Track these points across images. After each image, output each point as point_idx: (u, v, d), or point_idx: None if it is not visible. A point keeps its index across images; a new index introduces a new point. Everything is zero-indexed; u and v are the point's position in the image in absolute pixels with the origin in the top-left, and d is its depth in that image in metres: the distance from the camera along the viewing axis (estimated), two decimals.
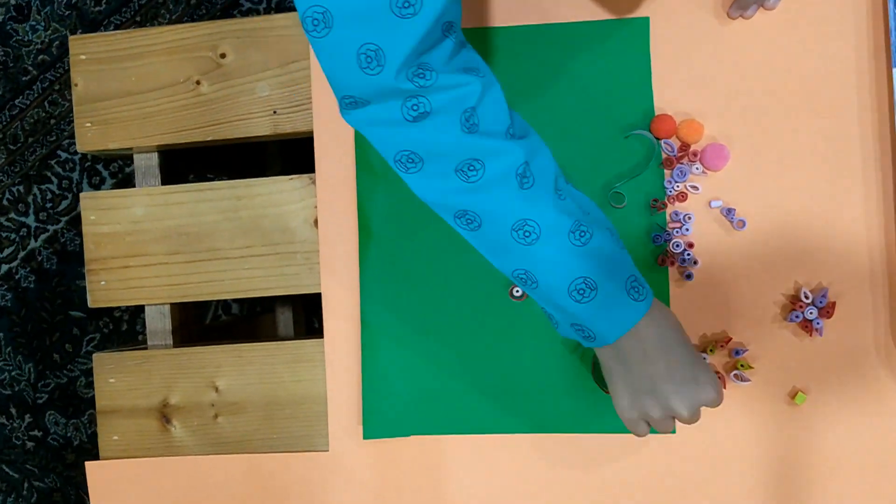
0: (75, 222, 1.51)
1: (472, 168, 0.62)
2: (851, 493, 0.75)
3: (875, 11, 0.75)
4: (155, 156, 0.89)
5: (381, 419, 0.80)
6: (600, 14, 0.79)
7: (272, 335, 1.20)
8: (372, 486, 0.81)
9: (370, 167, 0.81)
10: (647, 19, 0.78)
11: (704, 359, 0.72)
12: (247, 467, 0.83)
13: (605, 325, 0.63)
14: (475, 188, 0.62)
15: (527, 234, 0.62)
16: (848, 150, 0.75)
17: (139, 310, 1.67)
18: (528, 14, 0.80)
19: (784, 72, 0.76)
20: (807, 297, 0.74)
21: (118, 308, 1.68)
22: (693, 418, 0.65)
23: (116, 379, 0.85)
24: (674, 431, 0.77)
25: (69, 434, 1.52)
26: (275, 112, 0.83)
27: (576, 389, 0.78)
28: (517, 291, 0.79)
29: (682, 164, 0.76)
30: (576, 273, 0.62)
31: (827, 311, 0.74)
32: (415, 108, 0.61)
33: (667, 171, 0.77)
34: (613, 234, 0.66)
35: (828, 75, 0.76)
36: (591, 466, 0.78)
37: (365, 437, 0.81)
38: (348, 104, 0.62)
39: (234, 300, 1.65)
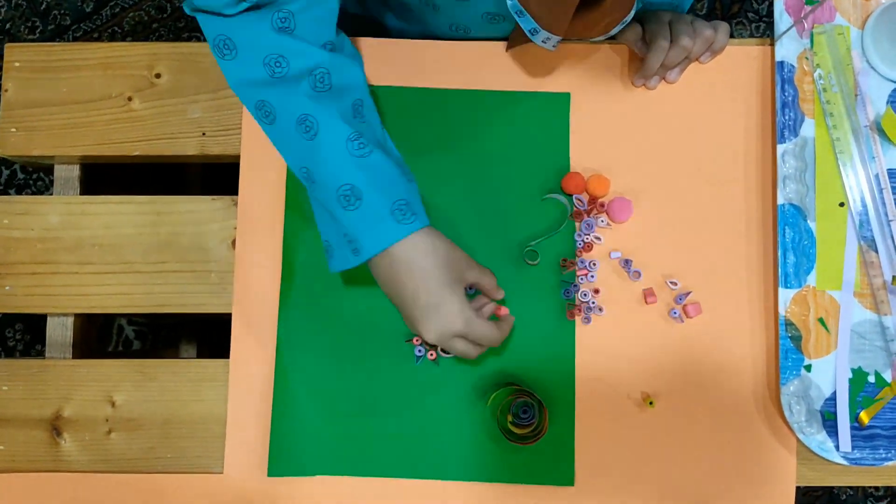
0: None
1: (278, 64, 0.68)
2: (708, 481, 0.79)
3: (764, 94, 0.84)
4: (76, 168, 0.89)
5: (287, 458, 0.80)
6: (529, 86, 0.85)
7: None
8: None
9: (300, 208, 0.83)
10: (568, 95, 0.84)
11: (472, 294, 0.77)
12: (135, 486, 0.81)
13: (367, 239, 0.67)
14: (276, 81, 0.69)
15: (308, 128, 0.68)
16: (734, 216, 0.82)
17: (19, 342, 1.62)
18: (467, 80, 0.85)
19: (682, 140, 0.83)
20: None
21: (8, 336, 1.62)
22: (445, 346, 0.69)
23: (9, 387, 0.83)
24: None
25: None
26: (204, 134, 0.85)
27: (483, 439, 0.80)
28: (430, 354, 0.80)
29: (590, 217, 0.82)
30: (344, 179, 0.67)
31: None
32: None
33: (577, 224, 0.82)
34: (402, 167, 0.71)
35: (719, 146, 0.83)
36: None
37: (269, 475, 0.80)
38: None
39: (137, 337, 1.62)
